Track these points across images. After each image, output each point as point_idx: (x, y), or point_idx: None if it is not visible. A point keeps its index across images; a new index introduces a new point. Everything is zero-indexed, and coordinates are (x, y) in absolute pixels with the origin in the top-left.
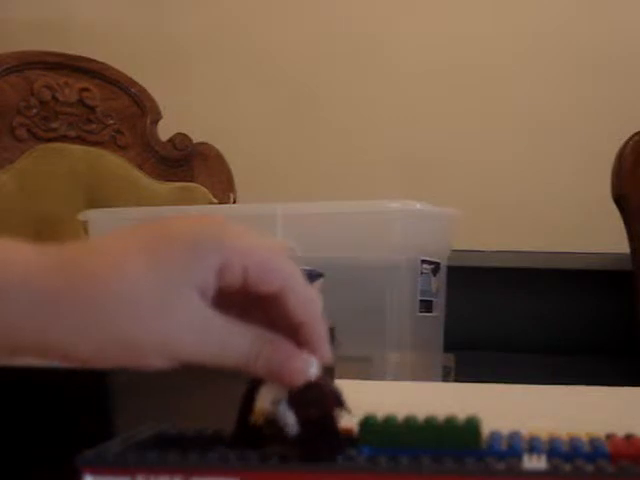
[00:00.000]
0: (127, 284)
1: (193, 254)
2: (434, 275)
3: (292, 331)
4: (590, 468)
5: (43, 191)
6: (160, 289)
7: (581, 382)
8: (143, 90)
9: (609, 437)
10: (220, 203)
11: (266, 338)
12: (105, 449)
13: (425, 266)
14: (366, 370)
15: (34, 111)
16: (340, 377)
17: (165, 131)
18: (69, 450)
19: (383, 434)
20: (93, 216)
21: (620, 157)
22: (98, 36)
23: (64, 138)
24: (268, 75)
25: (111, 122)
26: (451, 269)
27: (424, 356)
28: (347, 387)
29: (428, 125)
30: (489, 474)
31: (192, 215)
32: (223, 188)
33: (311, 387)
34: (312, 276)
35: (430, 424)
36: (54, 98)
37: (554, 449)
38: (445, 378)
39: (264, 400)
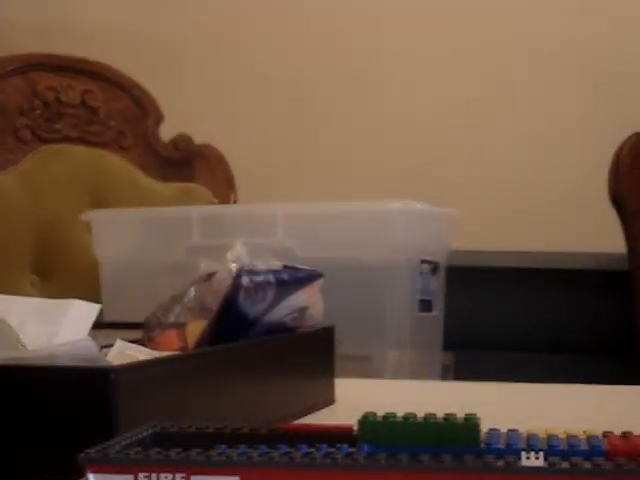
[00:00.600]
0: None
1: None
2: (433, 275)
3: None
4: (587, 466)
5: (46, 192)
6: None
7: (579, 381)
8: (145, 92)
9: (606, 435)
10: (221, 203)
11: None
12: (107, 447)
13: (424, 266)
14: (365, 369)
15: (37, 112)
16: (340, 376)
17: (167, 132)
18: (71, 449)
19: (382, 432)
20: (96, 217)
21: (617, 158)
22: (100, 38)
23: (67, 139)
24: (269, 76)
25: (113, 123)
26: (451, 269)
27: (423, 355)
28: (347, 385)
29: (428, 125)
30: (487, 471)
31: None
32: (224, 188)
33: None
34: (312, 276)
35: (429, 422)
36: (57, 100)
37: (552, 447)
38: (444, 377)
39: None
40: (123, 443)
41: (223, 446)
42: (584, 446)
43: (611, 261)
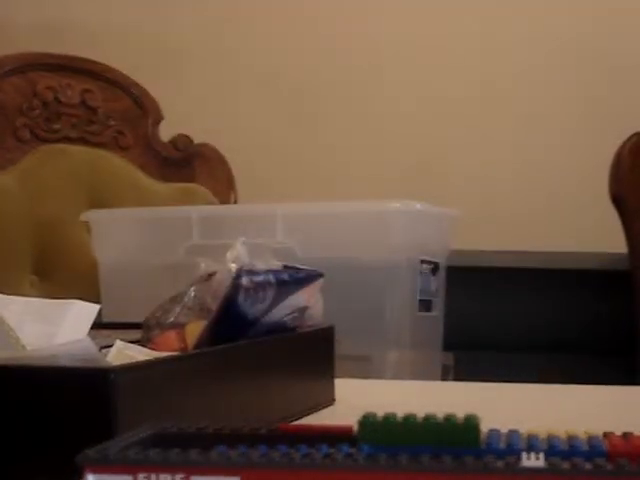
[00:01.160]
0: None
1: None
2: (433, 275)
3: None
4: (588, 466)
5: (45, 192)
6: None
7: (579, 381)
8: (144, 91)
9: (607, 435)
10: (221, 203)
11: None
12: (106, 448)
13: (424, 266)
14: (365, 369)
15: (37, 112)
16: (340, 376)
17: (166, 132)
18: (70, 449)
19: (382, 432)
20: (95, 216)
21: (618, 158)
22: (100, 37)
23: (66, 139)
24: (269, 76)
25: (113, 123)
26: (451, 269)
27: (423, 355)
28: (347, 385)
29: (428, 125)
30: (488, 472)
31: None
32: (224, 188)
33: None
34: (312, 276)
35: (429, 422)
36: (56, 99)
37: (552, 447)
38: (444, 377)
39: None
40: (122, 443)
41: (223, 446)
42: (585, 447)
43: (611, 261)
